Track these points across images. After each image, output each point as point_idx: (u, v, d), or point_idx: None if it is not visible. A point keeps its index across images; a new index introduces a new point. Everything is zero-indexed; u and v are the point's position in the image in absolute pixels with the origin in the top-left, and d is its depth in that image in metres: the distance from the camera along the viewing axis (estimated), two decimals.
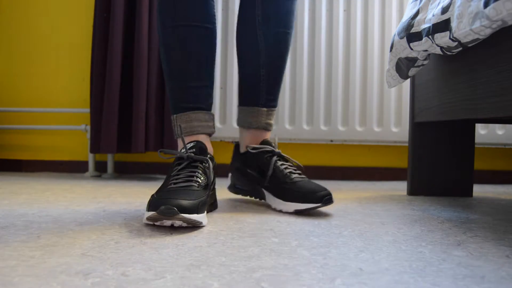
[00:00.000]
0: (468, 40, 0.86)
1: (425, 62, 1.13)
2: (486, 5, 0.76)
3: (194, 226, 0.79)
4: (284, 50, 1.11)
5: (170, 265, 0.57)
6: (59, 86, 1.94)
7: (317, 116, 1.76)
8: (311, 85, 1.77)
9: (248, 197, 1.14)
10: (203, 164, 0.91)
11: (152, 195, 0.83)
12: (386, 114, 1.75)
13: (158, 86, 1.72)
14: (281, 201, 0.98)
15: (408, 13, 1.12)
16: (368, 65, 1.76)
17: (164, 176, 1.83)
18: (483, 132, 1.73)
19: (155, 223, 0.77)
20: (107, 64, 1.67)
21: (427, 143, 1.34)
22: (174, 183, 0.85)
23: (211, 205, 0.97)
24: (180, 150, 0.93)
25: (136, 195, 1.22)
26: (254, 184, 1.07)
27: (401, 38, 1.10)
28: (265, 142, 1.07)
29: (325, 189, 0.95)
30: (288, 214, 0.95)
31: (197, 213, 0.78)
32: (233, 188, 1.15)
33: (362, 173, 1.85)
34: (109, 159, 1.84)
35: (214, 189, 1.00)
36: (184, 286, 0.49)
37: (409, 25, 1.07)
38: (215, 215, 0.94)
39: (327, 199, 0.93)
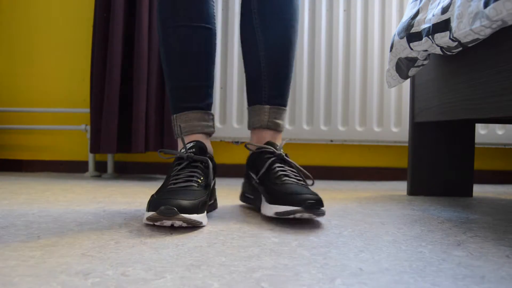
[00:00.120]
0: (468, 40, 0.86)
1: (425, 62, 1.13)
2: (486, 5, 0.76)
3: (194, 226, 0.79)
4: (285, 44, 1.03)
5: (170, 265, 0.57)
6: (59, 86, 1.94)
7: (317, 116, 1.76)
8: (311, 85, 1.77)
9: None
10: (203, 164, 0.91)
11: (152, 195, 0.83)
12: (386, 114, 1.75)
13: (158, 86, 1.72)
14: (266, 204, 0.88)
15: (408, 13, 1.12)
16: (368, 65, 1.76)
17: (164, 176, 1.83)
18: (483, 132, 1.73)
19: (155, 223, 0.77)
20: (107, 64, 1.67)
21: (427, 143, 1.34)
22: (174, 183, 0.85)
23: (211, 205, 0.97)
24: (180, 150, 0.93)
25: (136, 195, 1.22)
26: (256, 190, 0.98)
27: (401, 38, 1.10)
28: (269, 143, 0.99)
29: (314, 194, 0.83)
30: None
31: (197, 213, 0.78)
32: (242, 197, 1.07)
33: (362, 173, 1.85)
34: (109, 159, 1.84)
35: (214, 189, 1.00)
36: (184, 286, 0.49)
37: (409, 25, 1.07)
38: (215, 215, 0.94)
39: (310, 204, 0.80)
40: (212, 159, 0.96)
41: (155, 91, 1.71)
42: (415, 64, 1.14)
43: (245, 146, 1.02)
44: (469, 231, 0.82)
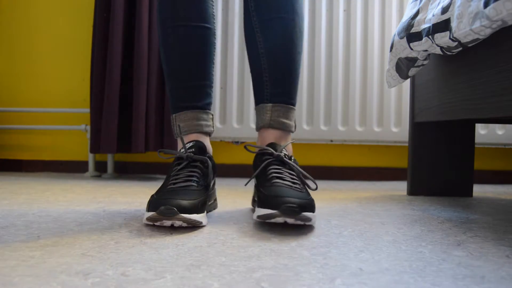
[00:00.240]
0: (468, 40, 0.86)
1: (425, 62, 1.13)
2: (486, 5, 0.76)
3: (194, 226, 0.79)
4: (285, 42, 0.99)
5: (170, 265, 0.57)
6: (59, 86, 1.94)
7: (317, 116, 1.76)
8: (311, 85, 1.77)
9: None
10: (203, 163, 0.91)
11: (152, 196, 0.83)
12: (386, 114, 1.75)
13: (158, 86, 1.72)
14: (256, 207, 0.84)
15: (408, 13, 1.12)
16: (368, 65, 1.76)
17: (164, 176, 1.83)
18: (483, 132, 1.73)
19: (155, 224, 0.77)
20: (107, 64, 1.67)
21: (427, 143, 1.34)
22: (174, 183, 0.85)
23: (211, 205, 0.97)
24: (180, 150, 0.93)
25: (136, 195, 1.22)
26: None
27: (401, 38, 1.10)
28: (271, 144, 0.94)
29: (300, 198, 0.77)
30: None
31: (197, 213, 0.78)
32: (252, 201, 1.03)
33: (362, 173, 1.85)
34: (109, 159, 1.84)
35: (214, 189, 1.00)
36: (184, 286, 0.49)
37: (409, 25, 1.07)
38: (215, 215, 0.94)
39: (287, 207, 0.74)
40: (211, 158, 0.96)
41: (155, 91, 1.71)
42: (415, 64, 1.14)
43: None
44: (469, 231, 0.82)
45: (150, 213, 0.76)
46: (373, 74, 1.75)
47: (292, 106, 1.02)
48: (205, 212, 0.84)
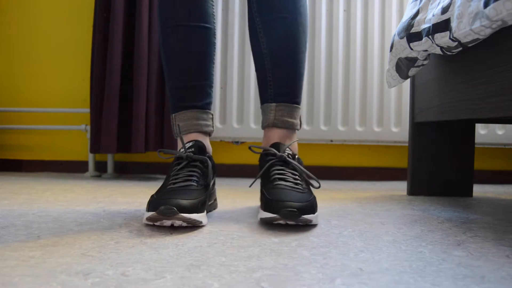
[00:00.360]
0: (468, 40, 0.86)
1: (425, 62, 1.13)
2: (486, 5, 0.76)
3: (194, 225, 0.79)
4: (288, 41, 1.00)
5: (170, 265, 0.57)
6: (59, 86, 1.94)
7: (317, 116, 1.76)
8: (311, 85, 1.77)
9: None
10: (202, 163, 0.91)
11: (152, 196, 0.83)
12: (386, 114, 1.75)
13: (158, 86, 1.72)
14: (260, 209, 0.86)
15: (408, 13, 1.12)
16: (368, 65, 1.76)
17: (164, 176, 1.83)
18: (483, 132, 1.73)
19: (155, 223, 0.77)
20: (107, 64, 1.67)
21: (427, 143, 1.34)
22: (173, 183, 0.85)
23: (211, 205, 0.97)
24: (179, 150, 0.93)
25: (136, 195, 1.22)
26: None
27: (401, 38, 1.10)
28: (274, 144, 0.95)
29: (300, 202, 0.79)
30: None
31: (197, 212, 0.78)
32: (260, 200, 1.01)
33: (362, 173, 1.85)
34: (109, 159, 1.84)
35: (214, 189, 1.00)
36: (184, 286, 0.49)
37: (409, 25, 1.07)
38: (215, 215, 0.94)
39: (286, 212, 0.76)
40: (211, 158, 0.96)
41: (155, 91, 1.71)
42: (415, 64, 1.14)
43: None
44: (469, 231, 0.82)
45: (150, 213, 0.76)
46: (373, 74, 1.75)
47: (296, 105, 1.02)
48: (205, 211, 0.84)
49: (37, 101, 1.94)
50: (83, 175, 1.82)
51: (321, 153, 1.86)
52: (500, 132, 1.73)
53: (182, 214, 0.75)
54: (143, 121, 1.67)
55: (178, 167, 0.88)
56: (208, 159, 0.91)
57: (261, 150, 0.97)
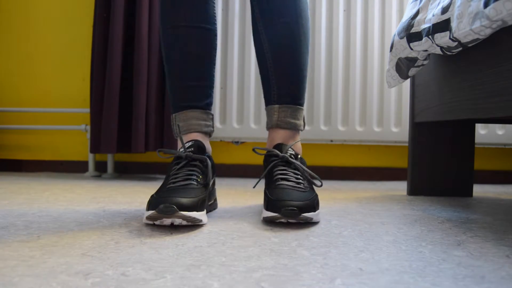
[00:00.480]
0: (468, 40, 0.86)
1: (425, 62, 1.13)
2: (486, 5, 0.76)
3: (194, 224, 0.79)
4: (289, 43, 1.01)
5: (170, 265, 0.57)
6: (59, 86, 1.94)
7: (317, 116, 1.76)
8: (311, 85, 1.77)
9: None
10: (202, 163, 0.91)
11: (152, 195, 0.83)
12: (386, 114, 1.75)
13: (158, 86, 1.72)
14: (263, 209, 0.89)
15: (408, 13, 1.12)
16: (368, 65, 1.76)
17: (164, 176, 1.83)
18: (483, 132, 1.73)
19: (155, 222, 0.77)
20: (107, 64, 1.67)
21: (427, 143, 1.34)
22: (173, 182, 0.85)
23: (211, 205, 0.97)
24: (179, 150, 0.93)
25: (136, 195, 1.22)
26: None
27: (401, 38, 1.10)
28: (277, 145, 0.97)
29: (301, 201, 0.82)
30: None
31: (197, 210, 0.78)
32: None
33: (362, 173, 1.85)
34: (109, 159, 1.84)
35: (214, 189, 1.00)
36: (184, 286, 0.49)
37: (409, 25, 1.07)
38: (215, 215, 0.94)
39: (286, 211, 0.79)
40: (210, 158, 0.96)
41: (155, 91, 1.71)
42: (415, 64, 1.14)
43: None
44: (469, 231, 0.81)
45: (150, 212, 0.77)
46: (373, 74, 1.75)
47: (299, 106, 1.03)
48: (205, 210, 0.84)
49: (37, 101, 1.95)
50: (83, 175, 1.82)
51: (321, 153, 1.86)
52: (500, 132, 1.73)
53: (182, 212, 0.75)
54: (143, 121, 1.67)
55: (178, 167, 0.89)
56: (207, 158, 0.92)
57: (264, 152, 0.99)
